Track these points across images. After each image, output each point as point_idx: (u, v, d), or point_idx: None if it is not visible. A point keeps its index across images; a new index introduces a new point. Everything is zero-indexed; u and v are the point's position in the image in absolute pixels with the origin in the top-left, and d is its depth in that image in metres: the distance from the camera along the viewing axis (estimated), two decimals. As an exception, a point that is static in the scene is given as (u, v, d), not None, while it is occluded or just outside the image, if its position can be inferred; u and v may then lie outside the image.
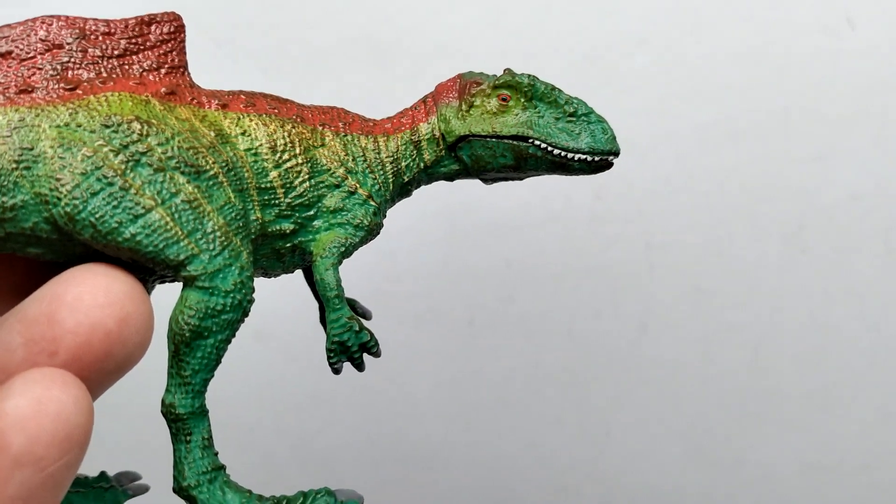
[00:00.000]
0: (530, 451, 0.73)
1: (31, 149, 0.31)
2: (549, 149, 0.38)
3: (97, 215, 0.31)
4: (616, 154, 0.38)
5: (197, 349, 0.33)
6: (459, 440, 0.73)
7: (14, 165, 0.30)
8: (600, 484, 0.73)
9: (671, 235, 0.69)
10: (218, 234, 0.32)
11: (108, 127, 0.31)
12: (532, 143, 0.38)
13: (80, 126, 0.31)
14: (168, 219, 0.31)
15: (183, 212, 0.32)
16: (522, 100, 0.38)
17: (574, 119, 0.38)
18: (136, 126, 0.32)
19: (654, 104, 0.68)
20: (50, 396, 0.26)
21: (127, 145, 0.31)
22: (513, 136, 0.38)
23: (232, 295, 0.32)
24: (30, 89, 0.32)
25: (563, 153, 0.38)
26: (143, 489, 0.41)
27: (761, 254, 0.69)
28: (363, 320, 0.41)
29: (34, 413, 0.26)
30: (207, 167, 0.33)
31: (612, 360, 0.71)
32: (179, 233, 0.32)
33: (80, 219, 0.31)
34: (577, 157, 0.38)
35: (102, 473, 0.42)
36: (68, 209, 0.30)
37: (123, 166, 0.31)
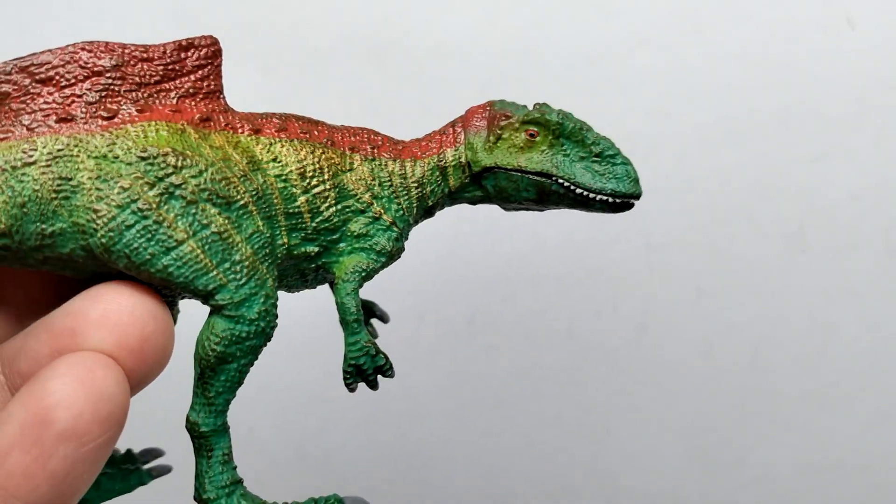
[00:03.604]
0: (530, 450, 0.73)
1: (70, 179, 0.31)
2: (572, 188, 0.38)
3: (131, 247, 0.32)
4: (637, 197, 0.39)
5: (221, 373, 0.34)
6: (459, 439, 0.73)
7: (53, 195, 0.31)
8: (600, 483, 0.73)
9: (671, 235, 0.69)
10: (245, 263, 0.33)
11: (144, 159, 0.32)
12: (555, 180, 0.38)
13: (117, 158, 0.32)
14: (199, 251, 0.32)
15: (213, 243, 0.33)
16: (550, 137, 0.39)
17: (599, 159, 0.38)
18: (171, 159, 0.32)
19: (654, 104, 0.68)
20: (93, 377, 0.28)
21: (161, 178, 0.32)
22: (537, 172, 0.38)
23: (256, 323, 0.34)
24: (69, 118, 0.32)
25: (585, 193, 0.38)
26: (166, 470, 0.43)
27: (761, 254, 0.69)
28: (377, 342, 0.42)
29: (78, 392, 0.28)
30: (238, 197, 0.34)
31: (612, 360, 0.71)
32: (209, 264, 0.33)
33: (115, 250, 0.32)
34: (598, 197, 0.38)
35: (128, 452, 0.43)
36: (104, 241, 0.32)
37: (157, 199, 0.32)
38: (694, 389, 0.71)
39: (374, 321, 0.48)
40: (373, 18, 0.68)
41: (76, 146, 0.32)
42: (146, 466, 0.43)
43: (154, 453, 0.44)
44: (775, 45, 0.67)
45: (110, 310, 0.30)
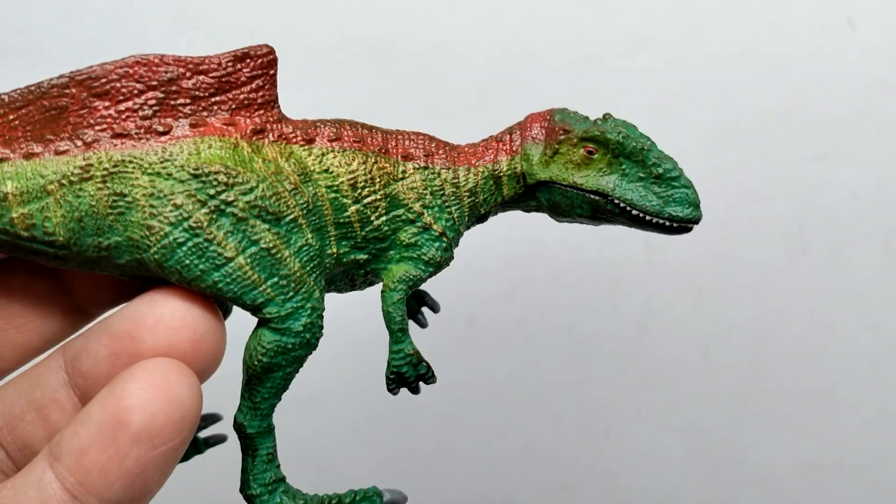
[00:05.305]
0: (530, 451, 0.73)
1: (125, 195, 0.32)
2: (628, 209, 0.38)
3: (183, 264, 0.33)
4: (696, 222, 0.38)
5: (267, 380, 0.36)
6: (459, 439, 0.73)
7: (109, 210, 0.32)
8: (600, 484, 0.73)
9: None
10: (293, 278, 0.34)
11: (196, 177, 0.33)
12: (611, 200, 0.38)
13: (170, 175, 0.33)
14: (247, 267, 0.33)
15: (261, 259, 0.34)
16: (609, 155, 0.38)
17: (659, 181, 0.38)
18: (222, 177, 0.33)
19: (654, 104, 0.68)
20: (168, 382, 0.30)
21: (213, 196, 0.33)
22: (593, 191, 0.38)
23: (302, 335, 0.35)
24: (124, 133, 0.33)
25: (641, 214, 0.38)
26: (222, 439, 0.45)
27: (761, 254, 0.69)
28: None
29: (154, 396, 0.29)
30: (288, 212, 0.34)
31: (612, 360, 0.71)
32: (257, 280, 0.34)
33: (168, 266, 0.33)
34: (655, 220, 0.38)
35: None
36: (157, 256, 0.32)
37: (208, 218, 0.33)
38: (694, 389, 0.71)
39: (425, 309, 0.48)
40: (373, 18, 0.68)
41: (131, 162, 0.32)
42: (202, 435, 0.45)
43: (213, 418, 0.45)
44: (775, 45, 0.67)
45: (165, 314, 0.32)
